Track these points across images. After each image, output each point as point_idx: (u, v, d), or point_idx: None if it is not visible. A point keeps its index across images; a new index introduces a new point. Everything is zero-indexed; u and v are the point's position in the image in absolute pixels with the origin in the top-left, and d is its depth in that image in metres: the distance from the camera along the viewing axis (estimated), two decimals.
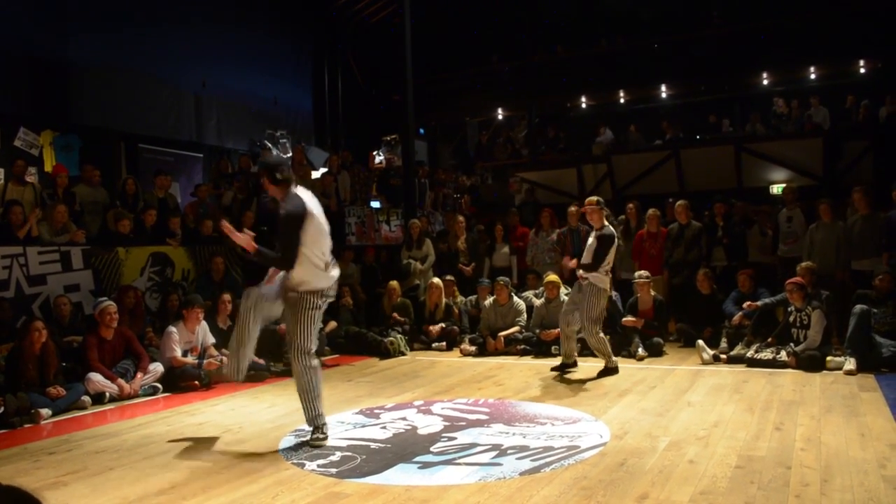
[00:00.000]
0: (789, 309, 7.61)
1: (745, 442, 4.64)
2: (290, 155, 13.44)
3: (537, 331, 8.88)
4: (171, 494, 4.01)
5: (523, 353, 8.73)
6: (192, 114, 13.98)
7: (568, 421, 5.41)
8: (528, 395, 6.47)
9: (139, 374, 7.03)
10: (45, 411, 6.08)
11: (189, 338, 7.48)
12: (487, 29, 18.56)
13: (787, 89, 16.33)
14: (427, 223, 12.20)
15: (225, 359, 7.48)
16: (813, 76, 15.80)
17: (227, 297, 8.14)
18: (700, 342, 8.05)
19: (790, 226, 9.47)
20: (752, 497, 3.63)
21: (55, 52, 11.47)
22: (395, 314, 9.75)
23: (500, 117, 19.56)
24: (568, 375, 7.37)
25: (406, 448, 4.78)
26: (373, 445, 4.88)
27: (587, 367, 7.80)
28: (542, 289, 9.44)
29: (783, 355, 7.36)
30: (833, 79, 15.90)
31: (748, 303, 8.10)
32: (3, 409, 5.88)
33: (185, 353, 7.38)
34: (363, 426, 5.46)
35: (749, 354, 7.61)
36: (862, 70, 15.32)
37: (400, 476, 4.19)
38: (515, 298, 9.31)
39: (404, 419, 5.65)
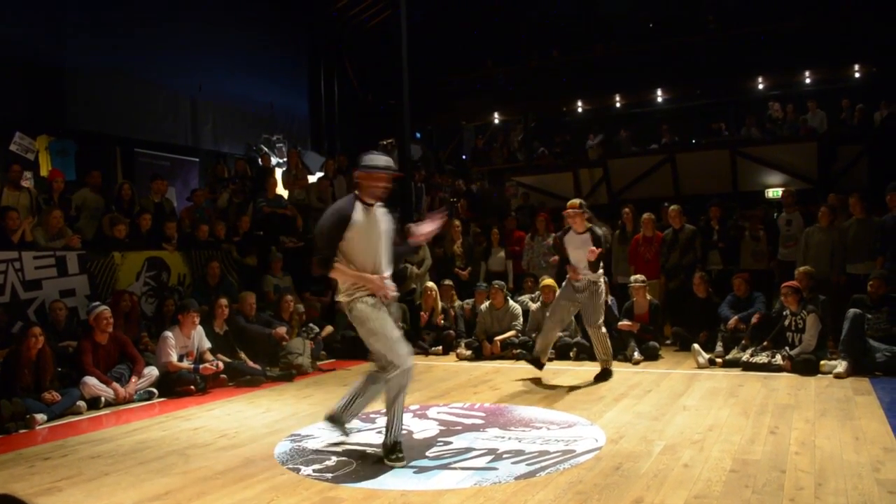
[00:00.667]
0: (784, 313, 7.63)
1: (740, 446, 4.65)
2: (285, 159, 13.44)
3: (533, 335, 8.88)
4: (166, 500, 4.01)
5: (519, 358, 8.73)
6: (189, 118, 13.98)
7: (563, 425, 5.42)
8: (524, 399, 6.48)
9: (134, 379, 7.02)
10: (41, 416, 6.07)
11: (185, 342, 7.47)
12: (484, 33, 18.60)
13: (783, 93, 16.39)
14: None
15: (220, 363, 7.52)
16: (808, 80, 15.85)
17: (223, 301, 8.12)
18: (695, 346, 8.07)
19: (789, 229, 9.51)
20: (746, 501, 3.64)
21: (51, 57, 11.47)
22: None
23: (496, 121, 19.60)
24: (562, 380, 7.38)
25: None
26: (368, 450, 4.87)
27: (581, 371, 7.82)
28: (538, 293, 9.45)
29: (778, 359, 7.38)
30: (828, 83, 15.97)
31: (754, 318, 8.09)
32: None
33: (180, 358, 7.37)
34: (359, 431, 5.45)
35: (744, 358, 7.63)
36: (857, 74, 15.38)
37: (395, 481, 4.19)
38: (511, 302, 9.32)
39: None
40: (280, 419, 5.99)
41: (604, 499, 3.75)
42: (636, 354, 8.32)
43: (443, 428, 5.46)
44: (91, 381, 6.67)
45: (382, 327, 4.56)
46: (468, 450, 4.80)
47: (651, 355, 8.40)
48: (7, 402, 5.92)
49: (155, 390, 7.14)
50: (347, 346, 9.39)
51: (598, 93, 17.65)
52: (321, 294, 10.18)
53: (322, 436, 5.29)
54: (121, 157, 12.43)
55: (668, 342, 9.29)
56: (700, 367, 7.78)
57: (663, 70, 16.10)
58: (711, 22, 16.06)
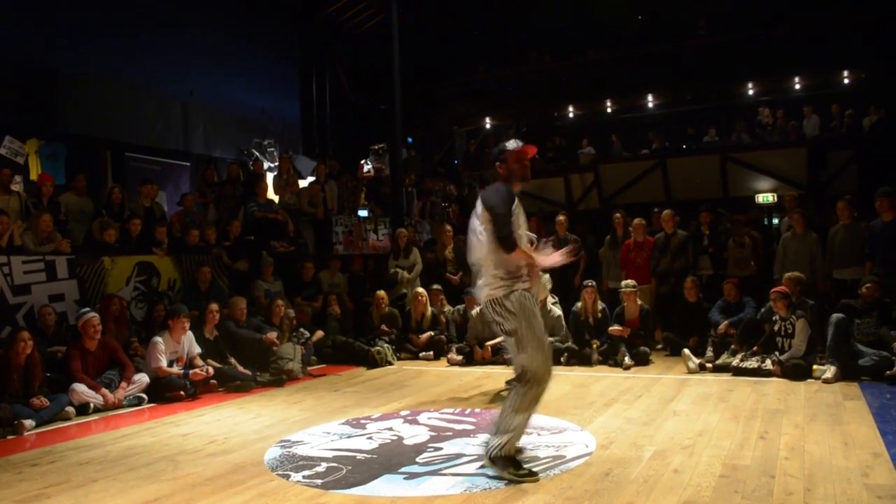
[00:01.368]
0: (774, 318, 7.65)
1: (730, 451, 4.66)
2: (276, 163, 13.41)
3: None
4: None
5: (510, 363, 8.71)
6: (180, 122, 13.92)
7: (554, 430, 5.42)
8: None
9: (123, 385, 6.99)
10: (29, 422, 6.04)
11: (175, 348, 7.44)
12: (475, 39, 18.62)
13: (773, 99, 16.49)
14: (414, 232, 12.20)
15: (210, 369, 7.49)
16: (798, 86, 15.94)
17: (214, 306, 8.10)
18: (686, 351, 8.09)
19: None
20: None
21: (41, 61, 11.41)
22: (383, 326, 9.74)
23: (487, 126, 19.63)
24: (552, 385, 7.36)
25: (392, 459, 4.77)
26: (358, 456, 4.86)
27: (572, 376, 7.83)
28: None
29: (768, 364, 7.41)
30: (817, 89, 16.06)
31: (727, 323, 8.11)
32: None
33: (170, 364, 7.34)
34: (349, 437, 5.45)
35: (734, 363, 7.66)
36: (846, 80, 15.49)
37: (385, 487, 4.18)
38: None
39: (390, 429, 5.63)
40: (270, 425, 5.97)
41: None
42: (627, 359, 8.34)
43: (433, 433, 5.46)
44: (80, 387, 6.64)
45: (541, 327, 4.30)
46: (459, 455, 4.80)
47: (642, 360, 8.42)
48: None
49: (144, 396, 7.12)
50: (338, 351, 9.39)
51: (589, 98, 17.71)
52: (312, 299, 10.17)
53: (312, 441, 5.28)
54: (111, 161, 12.35)
55: (659, 347, 9.31)
56: (690, 371, 7.80)
57: (654, 75, 16.17)
58: (702, 28, 16.14)
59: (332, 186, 12.30)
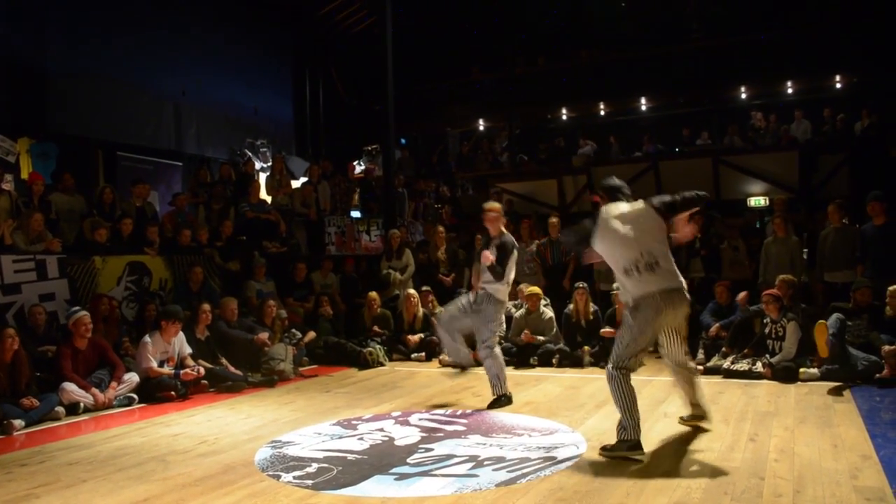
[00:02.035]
0: (765, 320, 7.68)
1: (720, 453, 4.67)
2: (269, 164, 13.40)
3: (520, 338, 8.90)
4: None
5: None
6: (172, 122, 13.89)
7: (545, 432, 5.43)
8: (506, 406, 6.47)
9: (114, 384, 6.96)
10: (18, 422, 6.01)
11: (165, 348, 7.42)
12: (469, 40, 18.64)
13: (765, 103, 16.55)
14: (407, 233, 12.20)
15: (201, 369, 7.47)
16: (790, 90, 16.01)
17: (205, 307, 8.08)
18: None
19: None
20: None
21: (33, 59, 11.37)
22: (375, 327, 9.72)
23: (481, 128, 19.64)
24: (543, 387, 7.39)
25: (383, 459, 4.76)
26: (349, 457, 4.86)
27: (564, 377, 7.84)
28: (519, 300, 9.48)
29: (759, 366, 7.43)
30: (810, 93, 16.13)
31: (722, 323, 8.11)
32: None
33: (161, 364, 7.31)
34: (340, 437, 5.44)
35: (725, 366, 7.68)
36: (838, 85, 15.56)
37: (376, 488, 4.18)
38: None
39: (382, 430, 5.63)
40: (261, 425, 5.96)
41: None
42: None
43: (424, 434, 5.45)
44: (70, 386, 6.61)
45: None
46: (449, 456, 4.80)
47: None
48: None
49: (135, 396, 7.09)
50: (330, 352, 9.37)
51: (582, 100, 17.74)
52: (304, 300, 10.16)
53: (303, 442, 5.27)
54: (103, 160, 12.33)
55: (650, 349, 9.29)
56: None
57: (647, 78, 16.21)
58: (695, 31, 16.19)
59: (324, 187, 12.29)
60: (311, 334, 9.32)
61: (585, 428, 5.49)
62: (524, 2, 17.96)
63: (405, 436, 5.43)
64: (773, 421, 5.55)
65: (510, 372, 7.65)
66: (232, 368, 7.88)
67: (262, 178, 12.24)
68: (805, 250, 9.58)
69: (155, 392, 7.14)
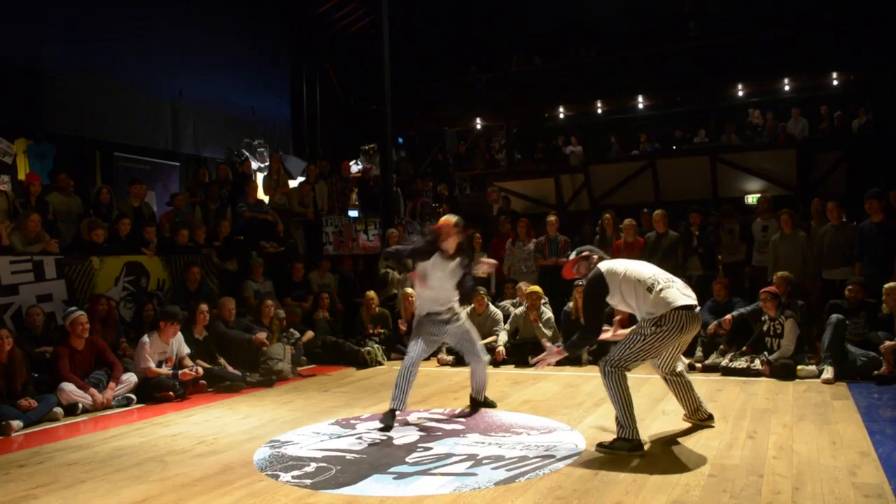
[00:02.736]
0: (763, 318, 7.68)
1: (719, 450, 4.67)
2: (266, 163, 13.38)
3: (517, 337, 8.90)
4: None
5: (500, 363, 8.73)
6: (169, 122, 13.87)
7: (544, 430, 5.42)
8: (505, 404, 6.47)
9: (112, 385, 6.95)
10: (17, 423, 6.00)
11: (163, 348, 7.41)
12: (466, 39, 18.62)
13: (762, 101, 16.56)
14: (404, 232, 12.19)
15: (199, 369, 7.47)
16: (787, 88, 16.01)
17: (203, 307, 8.07)
18: None
19: (765, 235, 9.57)
20: None
21: (30, 60, 11.34)
22: (375, 327, 9.71)
23: (478, 127, 19.63)
24: (542, 385, 7.39)
25: (381, 459, 4.76)
26: (348, 456, 4.85)
27: (562, 376, 7.84)
28: (518, 298, 9.47)
29: (757, 364, 7.43)
30: (807, 91, 16.14)
31: (725, 318, 8.10)
32: None
33: (159, 364, 7.30)
34: (339, 437, 5.44)
35: (723, 363, 7.68)
36: (835, 82, 15.56)
37: (375, 487, 4.18)
38: (493, 308, 9.33)
39: (380, 429, 5.62)
40: (259, 425, 5.95)
41: None
42: None
43: (423, 433, 5.45)
44: (68, 386, 6.61)
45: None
46: (448, 455, 4.79)
47: None
48: None
49: (133, 396, 7.08)
50: (328, 351, 9.37)
51: (579, 99, 17.73)
52: (302, 299, 10.15)
53: (301, 442, 5.27)
54: (100, 160, 12.31)
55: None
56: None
57: (645, 77, 16.20)
58: (692, 30, 16.18)
59: (322, 187, 12.29)
60: (310, 334, 9.32)
61: (584, 426, 5.49)
62: (522, 1, 17.95)
63: (404, 435, 5.43)
64: (771, 418, 5.55)
65: (507, 371, 7.66)
66: (230, 368, 7.87)
67: (260, 177, 12.22)
68: None
69: (153, 392, 7.13)
